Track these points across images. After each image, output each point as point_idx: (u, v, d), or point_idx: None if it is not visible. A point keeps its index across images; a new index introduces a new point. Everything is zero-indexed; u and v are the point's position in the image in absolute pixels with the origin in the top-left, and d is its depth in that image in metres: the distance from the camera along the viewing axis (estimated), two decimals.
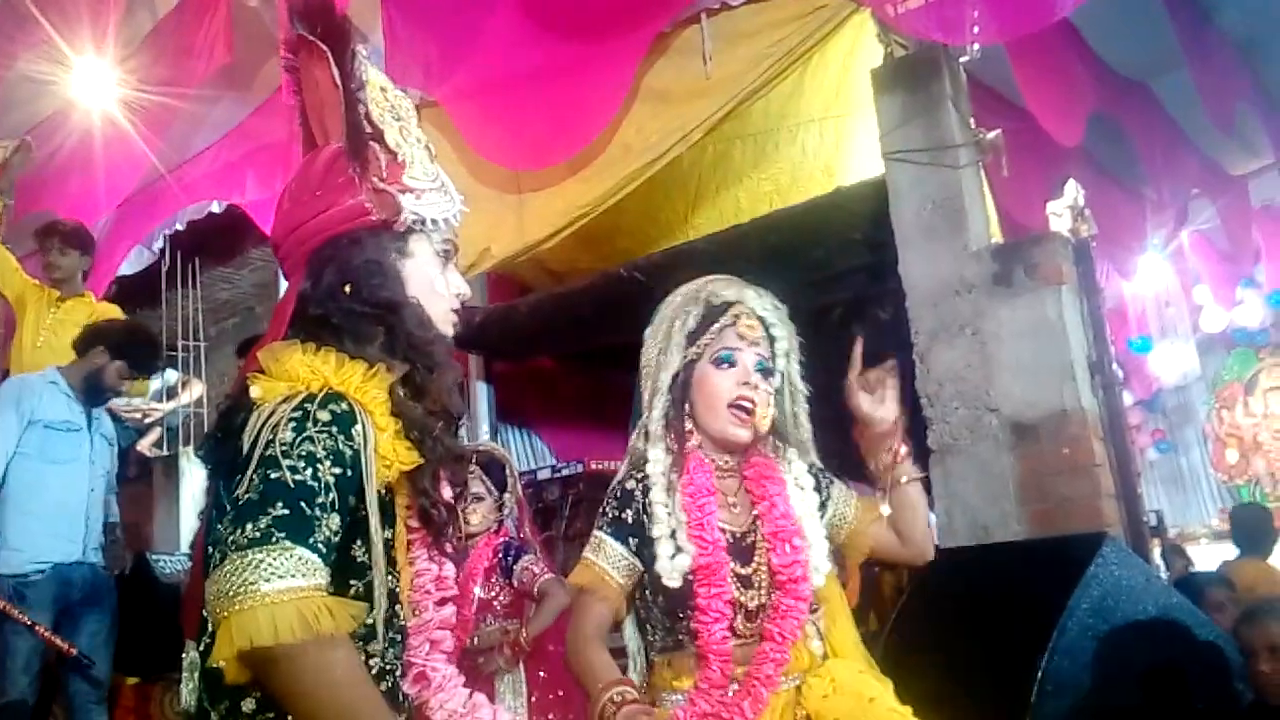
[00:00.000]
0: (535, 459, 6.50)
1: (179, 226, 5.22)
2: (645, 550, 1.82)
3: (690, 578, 1.77)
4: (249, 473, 1.20)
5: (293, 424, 1.22)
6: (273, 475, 1.19)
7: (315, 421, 1.23)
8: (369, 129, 1.40)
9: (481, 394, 5.64)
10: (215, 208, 5.11)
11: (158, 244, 5.34)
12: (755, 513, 1.84)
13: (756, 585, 1.79)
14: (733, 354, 1.83)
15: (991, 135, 3.60)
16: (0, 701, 3.40)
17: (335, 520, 1.21)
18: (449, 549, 1.41)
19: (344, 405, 1.26)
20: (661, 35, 4.13)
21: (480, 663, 3.24)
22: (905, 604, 2.97)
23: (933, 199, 3.56)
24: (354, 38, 1.41)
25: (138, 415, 4.51)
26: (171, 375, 4.73)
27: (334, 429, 1.23)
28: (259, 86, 4.60)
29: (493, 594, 3.36)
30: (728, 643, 1.75)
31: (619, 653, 2.14)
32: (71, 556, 3.54)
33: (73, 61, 4.37)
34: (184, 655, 1.32)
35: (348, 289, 1.35)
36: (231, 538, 1.16)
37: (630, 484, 1.86)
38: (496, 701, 3.20)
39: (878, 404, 1.88)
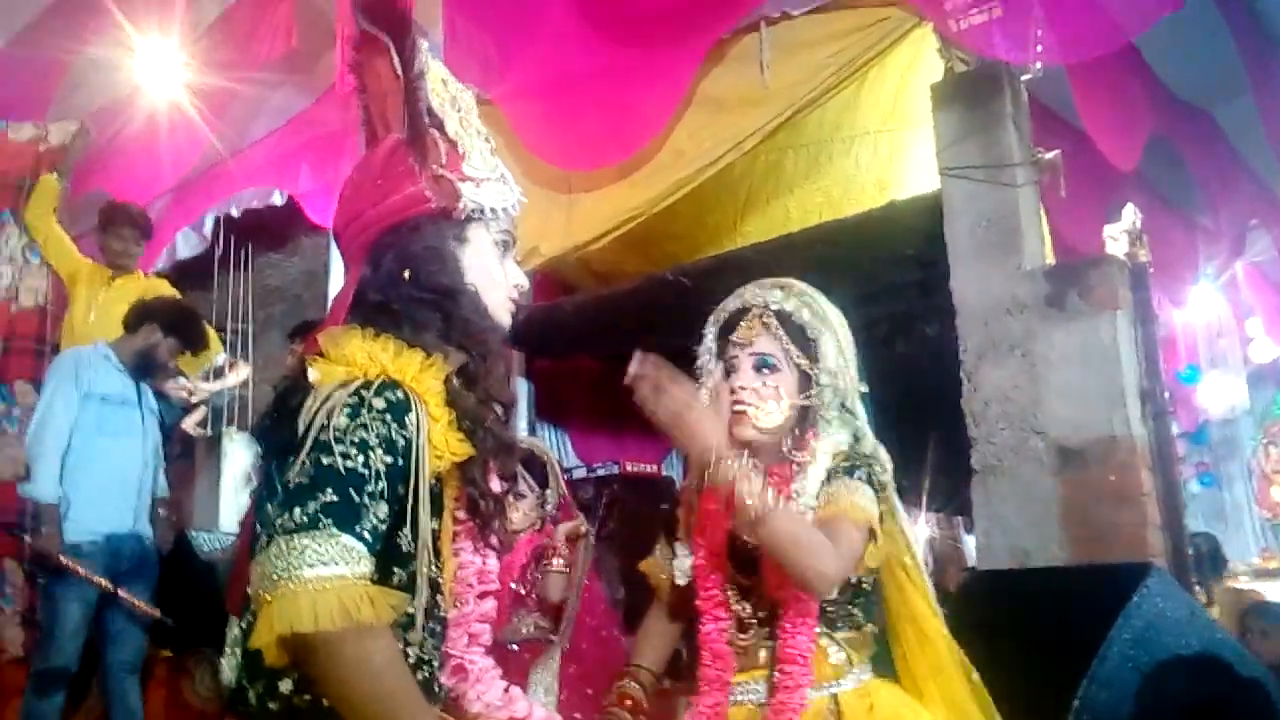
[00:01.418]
0: (569, 459, 6.53)
1: (234, 212, 5.30)
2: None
3: (692, 578, 1.83)
4: (301, 456, 1.21)
5: (348, 410, 1.23)
6: (324, 460, 1.20)
7: (370, 408, 1.23)
8: (429, 118, 1.41)
9: (521, 391, 5.67)
10: (276, 197, 5.19)
11: (208, 228, 5.43)
12: None
13: (756, 597, 1.81)
14: (734, 361, 1.86)
15: (1050, 155, 3.56)
16: (44, 666, 3.48)
17: (383, 509, 1.21)
18: (495, 542, 1.41)
19: (399, 394, 1.26)
20: (720, 42, 4.13)
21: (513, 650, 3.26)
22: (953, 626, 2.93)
23: (988, 217, 3.53)
24: (416, 29, 1.43)
25: (184, 393, 4.58)
26: (219, 357, 4.79)
27: (388, 417, 1.24)
28: (319, 75, 4.66)
29: (526, 590, 3.37)
30: (722, 641, 1.79)
31: None
32: (123, 528, 3.62)
33: (138, 46, 4.46)
34: (227, 630, 1.33)
35: (407, 275, 1.36)
36: (279, 520, 1.17)
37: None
38: (529, 695, 3.21)
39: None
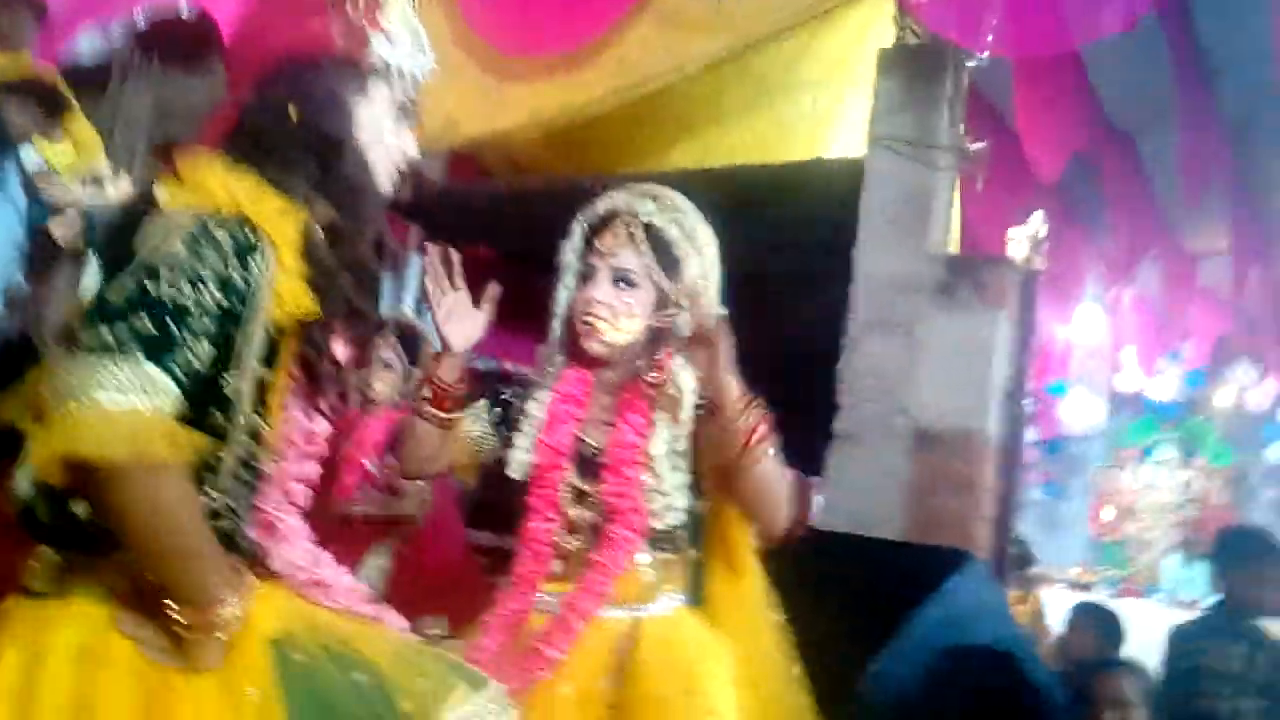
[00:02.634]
0: None
1: (139, 20, 4.96)
2: (504, 431, 1.90)
3: (529, 473, 1.83)
4: (125, 275, 1.15)
5: (187, 238, 1.17)
6: (148, 285, 1.14)
7: (212, 241, 1.17)
8: None
9: (414, 267, 5.55)
10: (183, 8, 4.86)
11: (114, 32, 5.08)
12: (607, 431, 1.85)
13: (589, 503, 1.81)
14: (593, 269, 1.83)
15: (978, 146, 3.59)
16: None
17: (205, 347, 1.16)
18: (324, 406, 1.37)
19: (248, 232, 1.21)
20: None
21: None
22: (769, 571, 3.02)
23: (904, 193, 3.55)
24: None
25: (58, 193, 4.33)
26: (102, 166, 4.53)
27: (230, 254, 1.18)
28: None
29: (378, 468, 3.32)
30: (544, 542, 1.79)
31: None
32: None
33: None
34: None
35: (294, 114, 1.31)
36: (84, 336, 1.11)
37: (528, 380, 1.94)
38: (360, 574, 3.19)
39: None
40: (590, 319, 1.80)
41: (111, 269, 1.20)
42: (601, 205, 1.87)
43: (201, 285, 1.15)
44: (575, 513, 1.81)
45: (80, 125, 4.29)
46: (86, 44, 5.03)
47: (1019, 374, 3.33)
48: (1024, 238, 3.42)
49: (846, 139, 4.21)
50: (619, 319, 1.80)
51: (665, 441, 1.83)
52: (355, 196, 1.34)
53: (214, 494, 1.24)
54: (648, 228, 1.82)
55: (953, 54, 3.56)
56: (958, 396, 3.27)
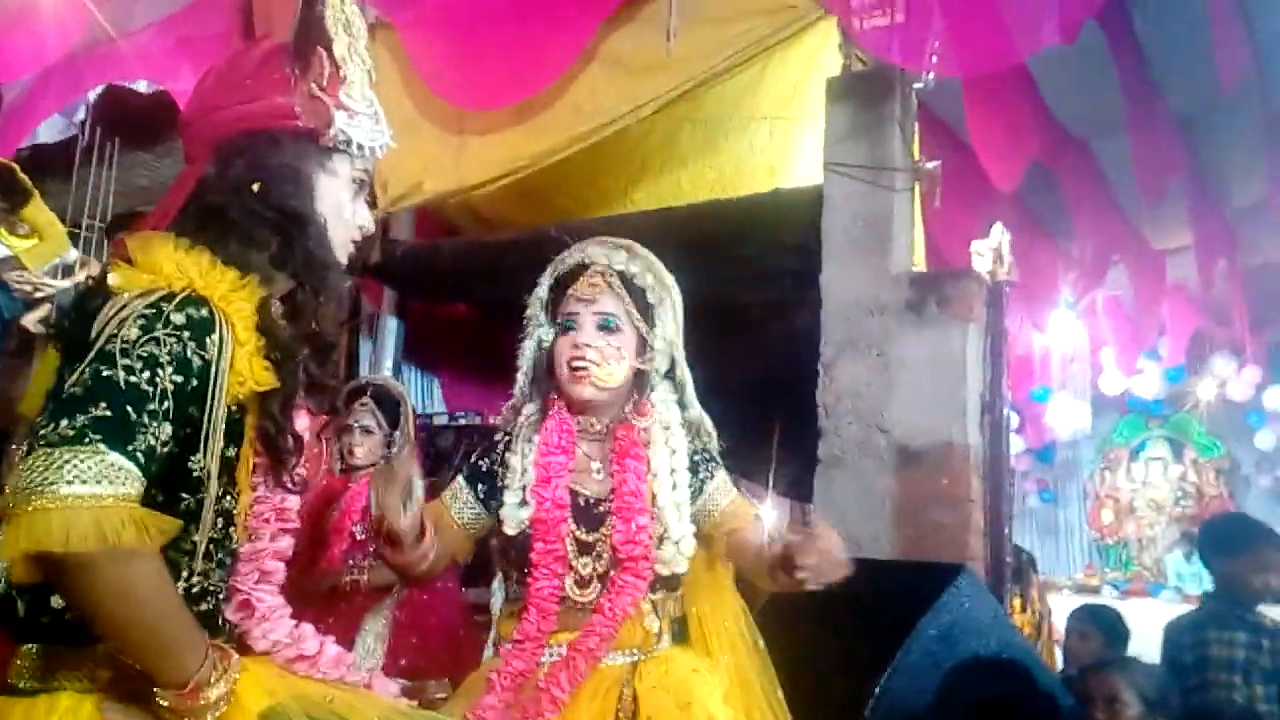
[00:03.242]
0: (434, 404, 6.44)
1: (99, 98, 5.00)
2: (493, 499, 1.86)
3: (529, 531, 1.80)
4: (82, 366, 1.13)
5: (142, 321, 1.16)
6: (104, 372, 1.13)
7: (167, 323, 1.17)
8: (319, 34, 1.35)
9: (390, 329, 5.55)
10: (143, 88, 4.91)
11: (79, 116, 5.12)
12: (607, 479, 1.87)
13: (596, 554, 1.82)
14: (573, 319, 1.85)
15: (931, 165, 3.65)
16: None
17: (166, 430, 1.15)
18: (289, 481, 1.36)
19: (203, 311, 1.20)
20: (629, 3, 4.09)
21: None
22: (769, 602, 3.02)
23: (863, 217, 3.61)
24: None
25: (28, 287, 4.33)
26: (70, 253, 4.54)
27: (186, 334, 1.17)
28: None
29: (366, 535, 3.31)
30: (552, 600, 1.79)
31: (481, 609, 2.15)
32: None
33: None
34: None
35: (256, 187, 1.30)
36: (43, 431, 1.09)
37: (497, 436, 1.92)
38: (358, 641, 3.16)
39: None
40: (582, 363, 1.82)
41: (69, 357, 1.19)
42: (572, 257, 1.90)
43: (159, 368, 1.14)
44: (582, 564, 1.82)
45: (43, 214, 4.30)
46: (45, 126, 5.07)
47: (995, 384, 3.36)
48: (986, 250, 3.46)
49: (805, 168, 4.26)
50: (608, 362, 1.83)
51: (668, 489, 1.85)
52: (315, 270, 1.34)
53: (191, 577, 1.24)
54: (621, 275, 1.86)
55: (899, 77, 3.64)
56: (934, 411, 3.30)
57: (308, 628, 1.40)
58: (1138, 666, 2.63)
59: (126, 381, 1.13)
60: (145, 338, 1.15)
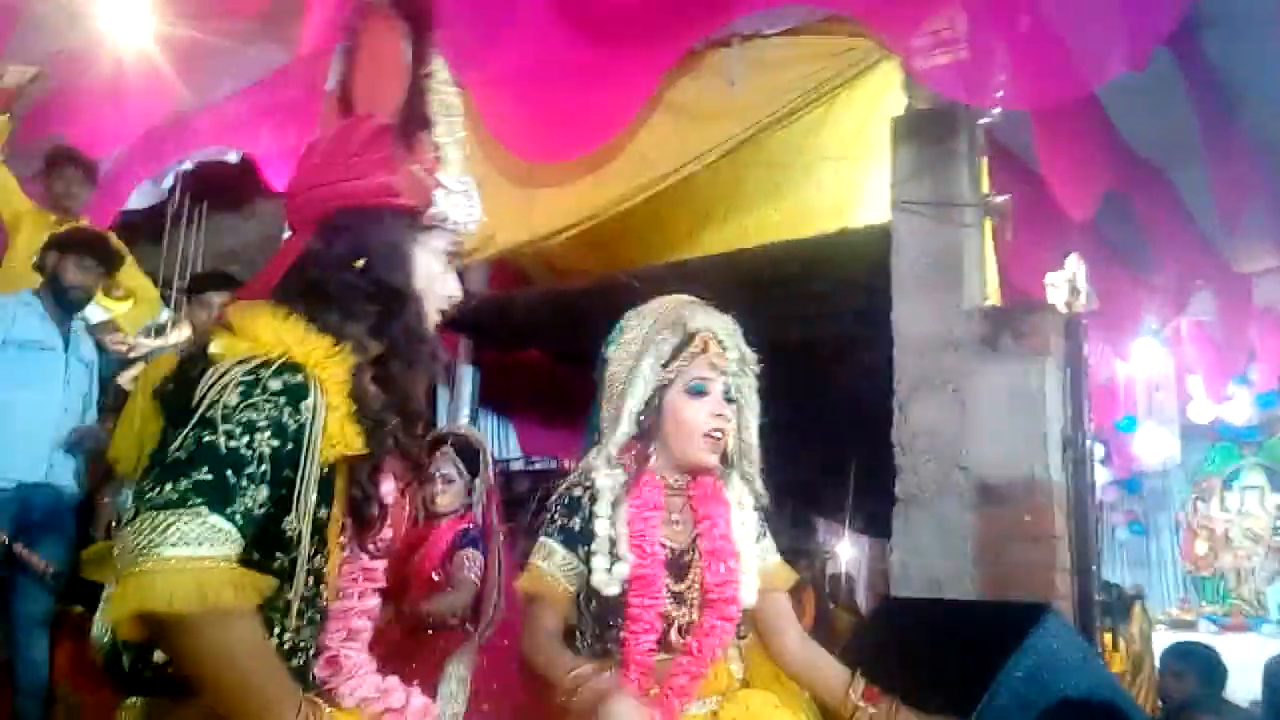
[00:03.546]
0: (509, 449, 6.53)
1: (189, 166, 5.23)
2: (590, 559, 1.85)
3: (626, 587, 1.81)
4: (185, 431, 1.19)
5: (241, 388, 1.21)
6: (206, 438, 1.18)
7: (265, 389, 1.22)
8: (423, 117, 1.42)
9: (467, 377, 5.66)
10: (230, 155, 5.13)
11: (168, 182, 5.35)
12: (696, 531, 1.89)
13: (689, 602, 1.84)
14: (705, 384, 1.88)
15: (1000, 200, 3.63)
16: None
17: (264, 492, 1.20)
18: (370, 546, 1.39)
19: (298, 377, 1.25)
20: (691, 53, 4.15)
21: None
22: (850, 644, 2.99)
23: (933, 253, 3.59)
24: (435, 24, 1.43)
25: (123, 347, 4.52)
26: (163, 313, 4.74)
27: (282, 400, 1.22)
28: (289, 38, 4.61)
29: (442, 579, 3.37)
30: (652, 655, 1.80)
31: None
32: (34, 477, 3.56)
33: None
34: (105, 590, 1.32)
35: (359, 263, 1.36)
36: (149, 494, 1.15)
37: (578, 492, 1.89)
38: (441, 686, 3.21)
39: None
40: (719, 432, 1.86)
41: (173, 421, 1.25)
42: (696, 321, 1.90)
43: (256, 433, 1.19)
44: (681, 614, 1.84)
45: (137, 278, 4.51)
46: (138, 194, 5.30)
47: (1076, 417, 3.29)
48: (1061, 281, 3.41)
49: (871, 207, 4.26)
50: (728, 433, 1.89)
51: (744, 534, 1.91)
52: (411, 342, 1.38)
53: (283, 634, 1.28)
54: (739, 351, 1.93)
55: (964, 114, 3.63)
56: (1014, 447, 3.25)
57: (394, 680, 1.43)
58: (1231, 710, 2.54)
59: (227, 446, 1.18)
60: (244, 404, 1.21)
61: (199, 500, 1.14)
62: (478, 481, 3.48)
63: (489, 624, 3.29)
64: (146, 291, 4.57)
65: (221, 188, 5.50)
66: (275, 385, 1.23)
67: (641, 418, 1.88)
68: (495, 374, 5.86)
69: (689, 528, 1.90)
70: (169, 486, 1.15)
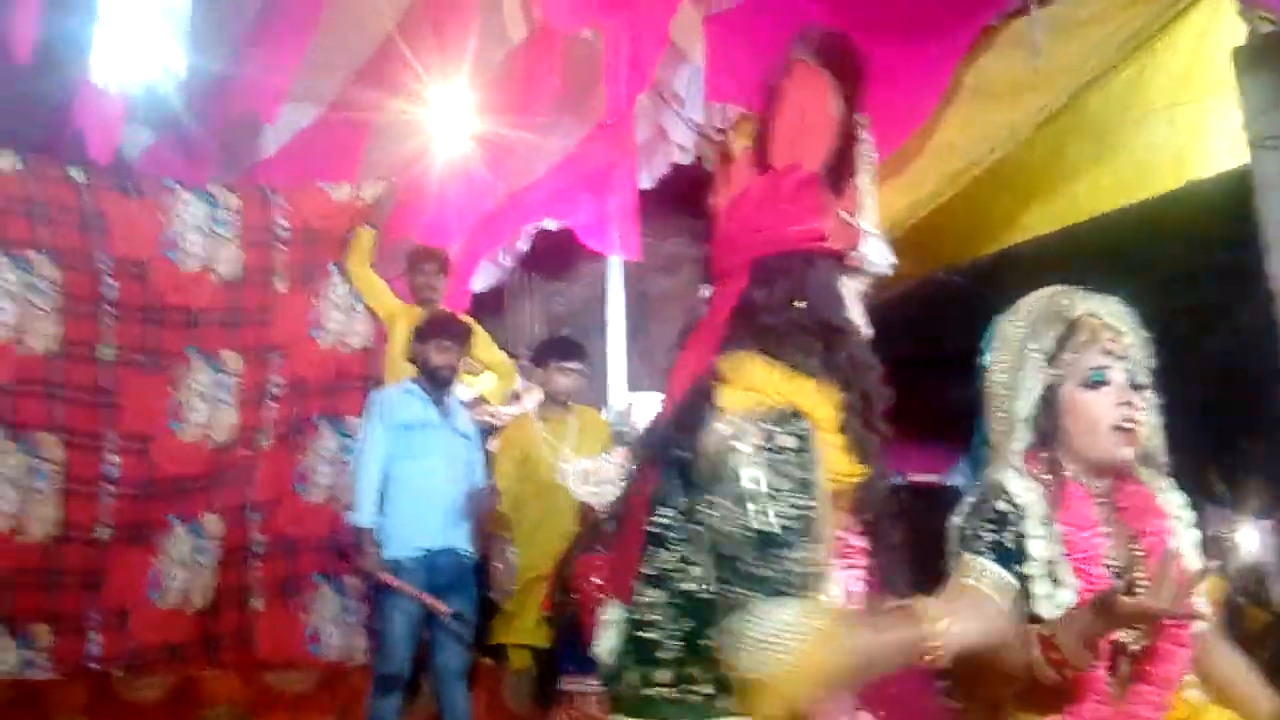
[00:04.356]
0: None
1: (521, 245, 5.68)
2: (1024, 580, 1.68)
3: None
4: (759, 503, 1.29)
5: (787, 454, 1.30)
6: (792, 506, 1.28)
7: (797, 444, 1.31)
8: (852, 166, 1.50)
9: None
10: (549, 224, 5.53)
11: (502, 260, 5.84)
12: (1136, 547, 1.71)
13: (1138, 625, 1.64)
14: (1104, 372, 1.71)
15: None
16: (380, 670, 3.90)
17: (820, 550, 1.31)
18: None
19: (804, 425, 1.33)
20: (986, 30, 3.96)
21: None
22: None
23: None
24: (866, 78, 1.52)
25: (488, 417, 4.96)
26: (518, 382, 5.14)
27: (797, 451, 1.31)
28: (587, 116, 4.92)
29: None
30: (1102, 683, 1.65)
31: None
32: (437, 543, 3.98)
33: (431, 99, 4.91)
34: (602, 613, 1.47)
35: (801, 304, 1.43)
36: (752, 582, 1.27)
37: (1002, 505, 1.71)
38: None
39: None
40: (1131, 423, 1.69)
41: (677, 465, 1.36)
42: (1075, 308, 1.76)
43: (812, 490, 1.30)
44: (1129, 639, 1.65)
45: (492, 352, 4.94)
46: (481, 276, 5.84)
47: None
48: None
49: (1218, 154, 3.83)
50: (1144, 423, 1.72)
51: (1186, 541, 1.72)
52: (862, 373, 1.44)
53: None
54: (1132, 328, 1.76)
55: None
56: None
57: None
58: None
59: (802, 512, 1.29)
60: (793, 465, 1.31)
61: (799, 581, 1.28)
62: None
63: None
64: (502, 364, 4.99)
65: (549, 258, 5.93)
66: (790, 442, 1.31)
67: (1039, 422, 1.74)
68: None
69: (1124, 542, 1.72)
70: (769, 569, 1.28)
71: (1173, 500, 1.76)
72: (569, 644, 3.30)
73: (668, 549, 1.36)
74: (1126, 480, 1.75)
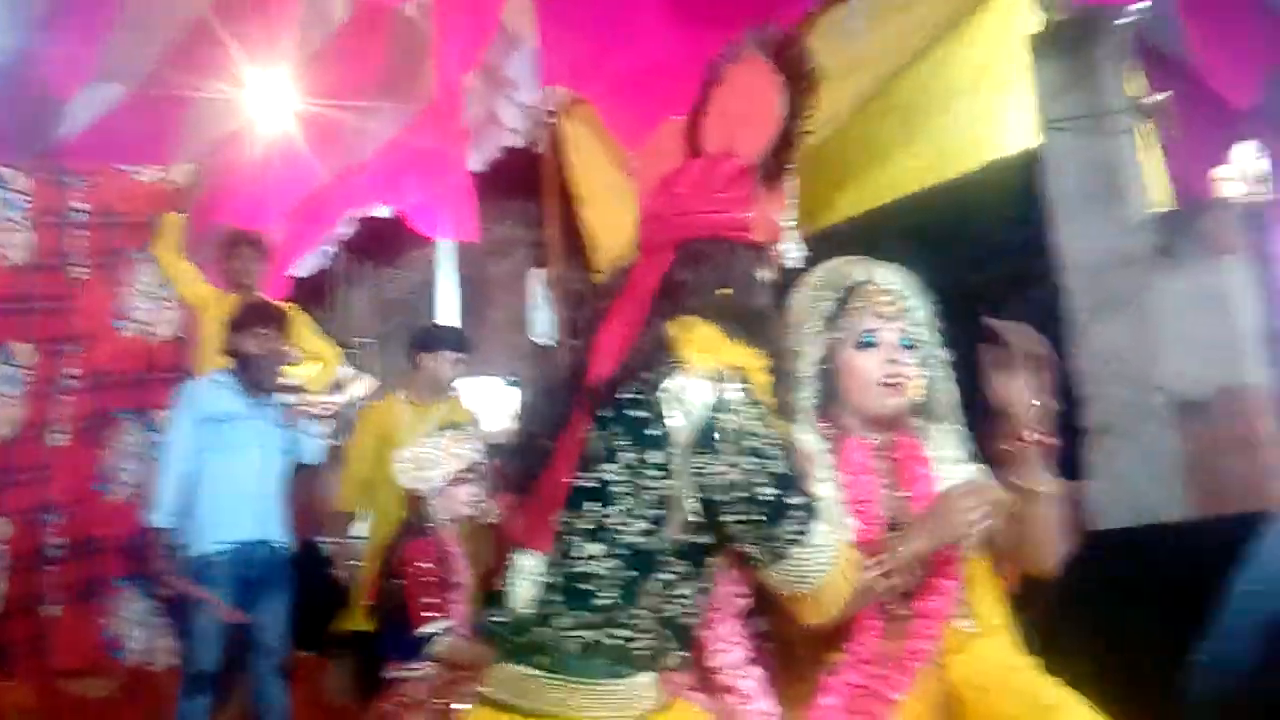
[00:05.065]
0: None
1: (344, 230, 5.50)
2: None
3: None
4: (769, 448, 1.39)
5: (760, 407, 1.41)
6: (781, 449, 1.41)
7: (757, 398, 1.41)
8: (788, 165, 1.54)
9: None
10: (381, 210, 5.38)
11: (330, 248, 5.65)
12: (906, 494, 1.82)
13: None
14: (874, 334, 1.82)
15: (1160, 98, 3.39)
16: (188, 670, 3.72)
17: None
18: None
19: (752, 384, 1.42)
20: (808, 16, 4.07)
21: None
22: (1059, 586, 2.84)
23: (1092, 168, 3.40)
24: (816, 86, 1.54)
25: (314, 409, 4.78)
26: (341, 370, 4.97)
27: (762, 406, 1.41)
28: (415, 98, 4.81)
29: None
30: (878, 619, 1.74)
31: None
32: (249, 536, 3.81)
33: (249, 80, 4.71)
34: (509, 561, 1.47)
35: (725, 291, 1.49)
36: (790, 502, 1.40)
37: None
38: None
39: (1005, 384, 1.77)
40: (897, 378, 1.80)
41: (622, 424, 1.40)
42: (855, 274, 1.87)
43: (780, 439, 1.42)
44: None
45: (316, 340, 4.76)
46: (304, 261, 5.62)
47: (1274, 313, 3.03)
48: (1234, 174, 3.15)
49: (1012, 136, 4.05)
50: (912, 379, 1.82)
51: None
52: (785, 360, 1.58)
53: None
54: (904, 295, 1.86)
55: (1103, 17, 3.42)
56: (1210, 356, 3.02)
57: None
58: None
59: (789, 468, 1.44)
60: (766, 419, 1.42)
61: (813, 515, 1.44)
62: None
63: None
64: (327, 352, 4.82)
65: (377, 243, 5.77)
66: (755, 396, 1.42)
67: (822, 380, 1.85)
68: None
69: (896, 489, 1.83)
70: (799, 509, 1.42)
71: (942, 445, 1.86)
72: (393, 631, 3.21)
73: (612, 503, 1.38)
74: (902, 433, 1.86)
